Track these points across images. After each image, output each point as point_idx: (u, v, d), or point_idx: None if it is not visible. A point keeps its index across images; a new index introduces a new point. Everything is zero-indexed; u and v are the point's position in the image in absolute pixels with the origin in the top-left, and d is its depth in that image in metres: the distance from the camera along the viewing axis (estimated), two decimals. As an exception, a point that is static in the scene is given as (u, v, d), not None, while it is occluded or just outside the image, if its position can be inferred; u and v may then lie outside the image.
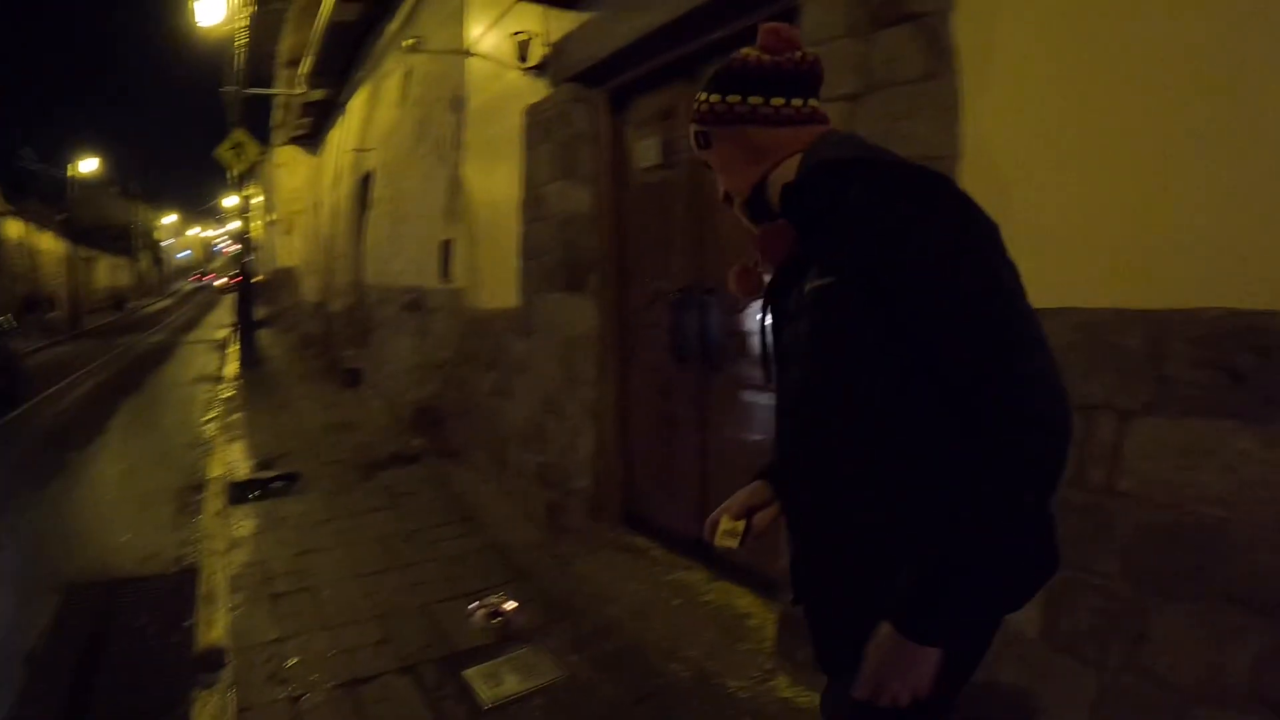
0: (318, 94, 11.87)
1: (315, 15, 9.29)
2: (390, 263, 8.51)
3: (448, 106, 6.45)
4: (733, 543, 1.55)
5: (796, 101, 1.39)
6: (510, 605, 3.34)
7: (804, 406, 1.34)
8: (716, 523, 1.57)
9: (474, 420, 5.86)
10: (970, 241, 1.17)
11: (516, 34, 4.71)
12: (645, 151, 4.15)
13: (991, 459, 1.09)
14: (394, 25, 8.18)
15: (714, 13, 3.41)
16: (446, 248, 6.47)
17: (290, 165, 17.65)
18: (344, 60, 10.42)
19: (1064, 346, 2.24)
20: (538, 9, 4.61)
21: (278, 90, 13.65)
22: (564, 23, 4.48)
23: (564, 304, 4.48)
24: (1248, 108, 1.86)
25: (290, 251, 18.94)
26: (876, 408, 1.21)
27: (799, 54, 1.41)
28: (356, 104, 10.74)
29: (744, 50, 1.43)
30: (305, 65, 10.76)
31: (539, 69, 4.72)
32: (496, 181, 5.38)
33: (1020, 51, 2.38)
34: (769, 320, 1.50)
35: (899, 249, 1.15)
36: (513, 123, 5.05)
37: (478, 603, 3.39)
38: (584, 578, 3.85)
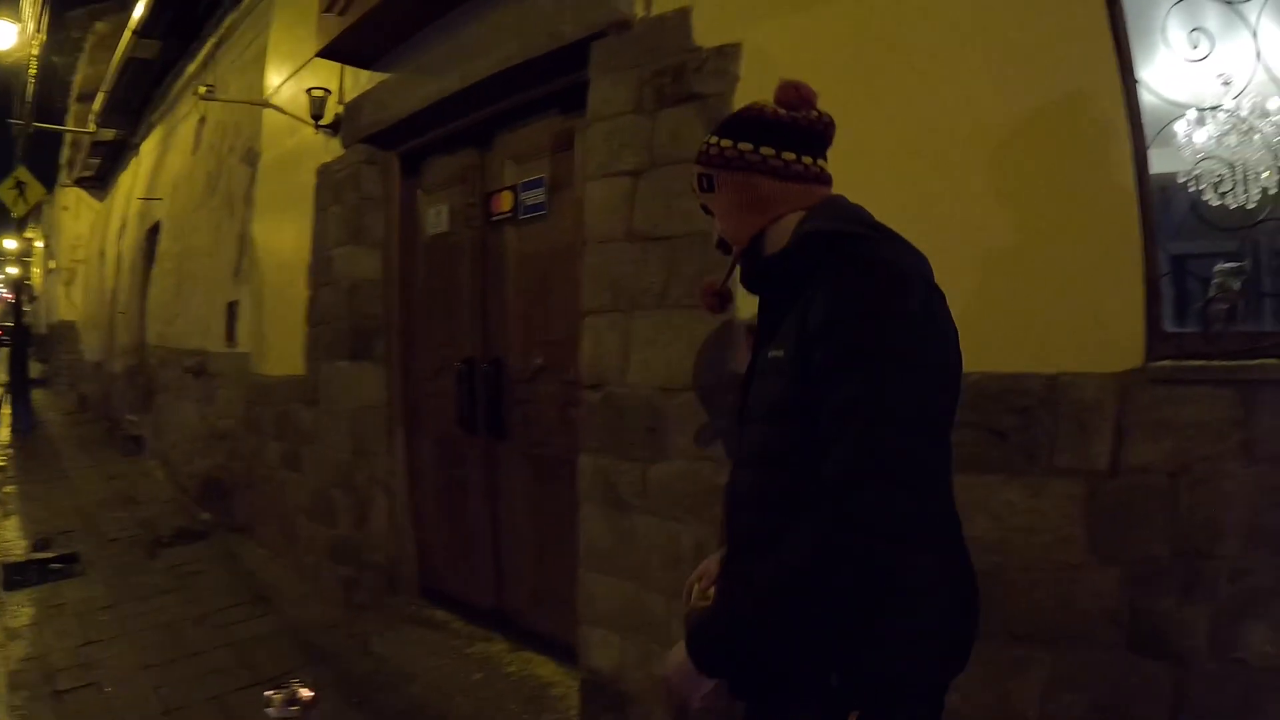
0: (109, 133, 10.87)
1: (113, 49, 8.57)
2: (174, 323, 7.88)
3: (241, 159, 6.11)
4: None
5: (806, 159, 1.38)
6: (307, 692, 3.11)
7: (758, 463, 1.33)
8: (691, 589, 1.56)
9: (263, 493, 5.47)
10: (896, 334, 1.14)
11: (312, 90, 4.53)
12: (435, 218, 4.08)
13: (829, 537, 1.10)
14: (192, 67, 7.74)
15: (506, 82, 3.43)
16: (233, 309, 6.08)
17: (75, 209, 16.06)
18: (140, 99, 9.63)
19: None
20: (336, 66, 4.47)
21: (68, 127, 12.49)
22: (360, 82, 4.39)
23: (351, 372, 4.30)
24: (997, 181, 2.07)
25: (71, 304, 17.22)
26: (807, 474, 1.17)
27: (815, 113, 1.40)
28: (149, 148, 9.99)
29: (759, 101, 1.41)
30: (98, 101, 9.87)
31: (333, 128, 4.57)
32: (286, 242, 5.12)
33: None
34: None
35: (830, 308, 1.16)
36: (305, 181, 4.84)
37: (274, 691, 3.13)
38: (384, 656, 3.68)
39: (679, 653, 1.25)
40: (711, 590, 1.56)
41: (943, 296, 1.26)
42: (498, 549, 3.83)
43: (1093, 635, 2.00)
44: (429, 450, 4.28)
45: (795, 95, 1.39)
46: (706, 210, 1.51)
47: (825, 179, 1.42)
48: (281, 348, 5.12)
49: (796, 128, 1.38)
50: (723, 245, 1.51)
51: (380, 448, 4.32)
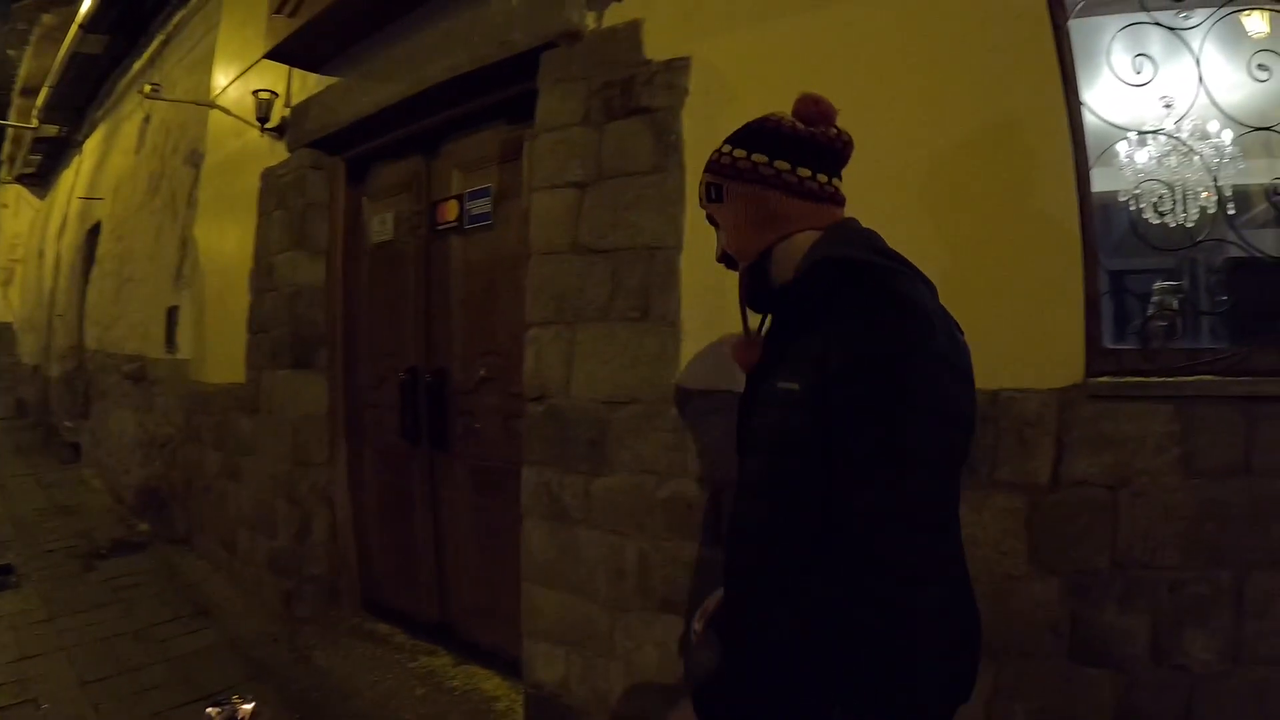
0: (51, 129, 10.49)
1: (60, 42, 8.29)
2: (114, 327, 7.64)
3: (185, 160, 5.95)
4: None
5: (821, 177, 1.33)
6: (248, 707, 3.02)
7: (763, 496, 1.28)
8: (698, 628, 1.53)
9: (202, 503, 5.33)
10: (910, 370, 1.11)
11: (259, 91, 4.45)
12: (380, 225, 4.03)
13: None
14: (139, 64, 7.53)
15: (455, 90, 3.40)
16: (173, 314, 5.93)
17: (15, 207, 15.49)
18: (85, 95, 9.33)
19: None
20: (283, 68, 4.40)
21: (10, 122, 12.06)
22: (308, 85, 4.32)
23: (292, 381, 4.20)
24: (941, 199, 2.13)
25: (8, 305, 16.66)
26: (819, 509, 1.15)
27: (834, 130, 1.34)
28: (92, 146, 9.71)
29: (776, 113, 1.35)
30: (42, 96, 9.54)
31: (279, 131, 4.49)
32: (229, 246, 5.01)
33: None
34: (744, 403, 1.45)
35: (851, 351, 1.12)
36: (249, 185, 4.74)
37: (215, 707, 3.03)
38: (326, 670, 3.60)
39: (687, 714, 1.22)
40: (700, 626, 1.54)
41: (958, 327, 1.23)
42: (441, 561, 3.78)
43: (1035, 645, 2.05)
44: (372, 461, 4.21)
45: (815, 110, 1.35)
46: (711, 221, 1.46)
47: (839, 199, 1.38)
48: (222, 355, 5.00)
49: (815, 144, 1.34)
50: (726, 259, 1.46)
51: (322, 458, 4.23)
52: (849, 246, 1.27)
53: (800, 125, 1.35)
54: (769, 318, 1.50)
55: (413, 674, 3.55)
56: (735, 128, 2.50)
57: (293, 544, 4.21)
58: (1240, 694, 2.02)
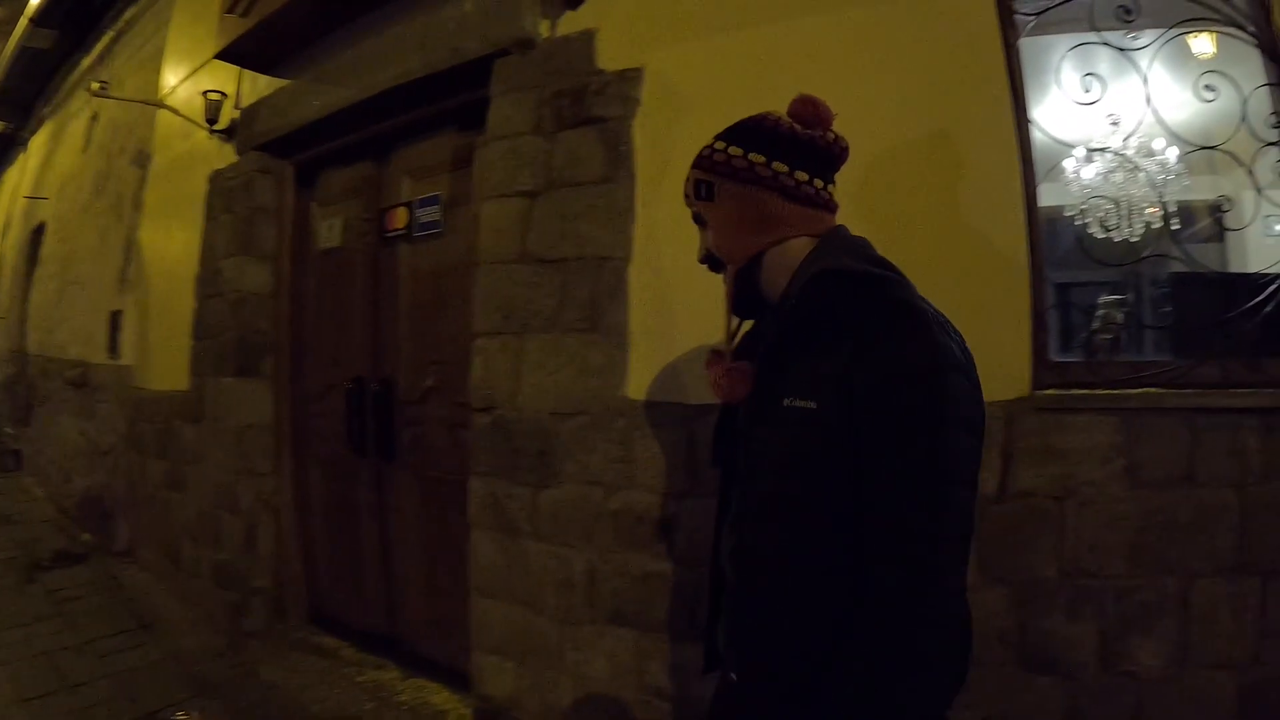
0: (-2, 125, 10.32)
1: (8, 36, 8.06)
2: (56, 331, 7.42)
3: (132, 160, 5.79)
4: None
5: (818, 182, 1.28)
6: None
7: (776, 519, 1.22)
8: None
9: (146, 514, 5.18)
10: (939, 382, 1.10)
11: (208, 92, 4.35)
12: (328, 231, 3.96)
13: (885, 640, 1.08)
14: (88, 60, 7.33)
15: (406, 95, 3.36)
16: (116, 319, 5.77)
17: (-42, 205, 15.20)
18: (33, 92, 9.07)
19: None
20: (234, 69, 4.31)
21: (-45, 118, 11.72)
22: (259, 87, 4.24)
23: (237, 389, 4.10)
24: (890, 212, 2.10)
25: (-51, 307, 16.18)
26: (847, 528, 1.12)
27: (831, 134, 1.29)
28: (38, 143, 9.43)
29: (773, 113, 1.28)
30: (-12, 92, 9.32)
31: (228, 133, 4.40)
32: (174, 250, 4.88)
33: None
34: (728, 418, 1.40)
35: (876, 365, 1.09)
36: (197, 187, 4.62)
37: None
38: (272, 685, 3.52)
39: None
40: None
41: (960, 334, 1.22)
42: (388, 573, 3.72)
43: (984, 654, 2.05)
44: (318, 471, 4.13)
45: (813, 112, 1.30)
46: (698, 220, 1.39)
47: (833, 206, 1.34)
48: (166, 361, 4.87)
49: (814, 147, 1.29)
50: (710, 261, 1.39)
51: (267, 468, 4.14)
52: (849, 257, 1.24)
53: (798, 127, 1.29)
54: (743, 324, 1.46)
55: (361, 688, 3.49)
56: (687, 139, 2.50)
57: (238, 556, 4.11)
58: (1187, 698, 2.07)
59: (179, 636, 4.09)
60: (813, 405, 1.15)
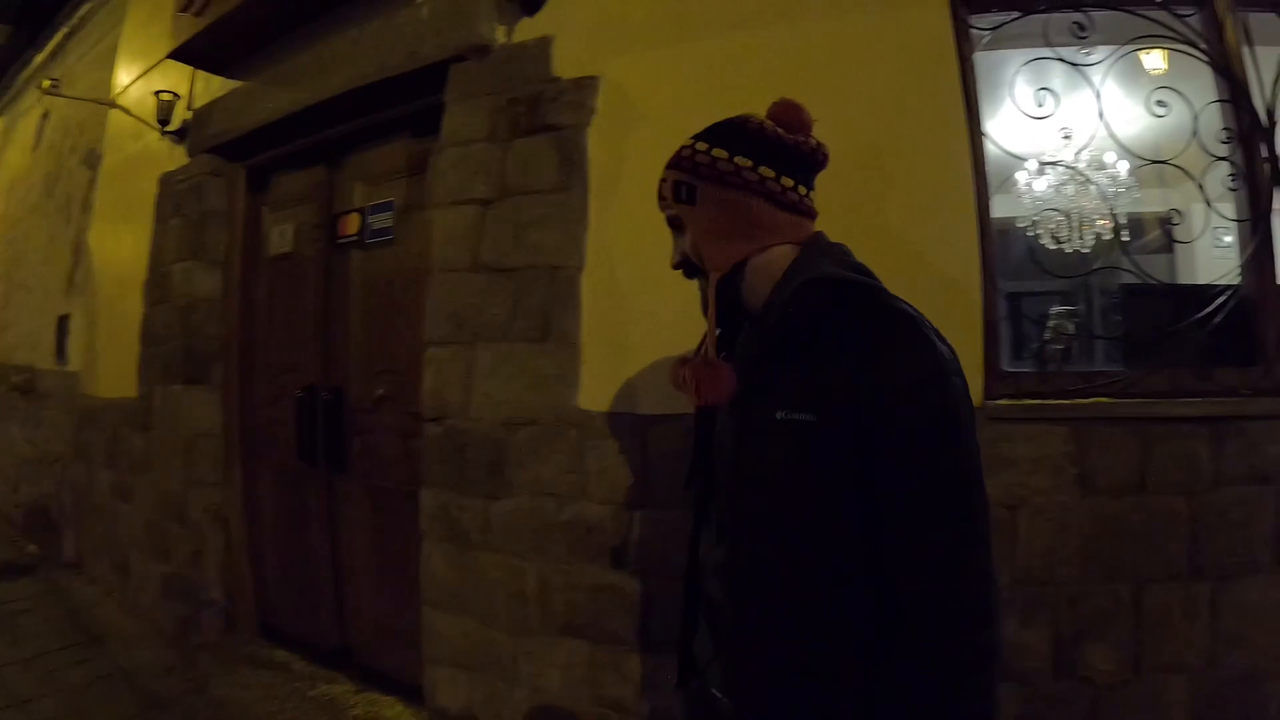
0: (-54, 122, 10.05)
1: None
2: (2, 335, 7.23)
3: (82, 160, 5.68)
4: None
5: (802, 188, 1.24)
6: None
7: (772, 534, 1.18)
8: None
9: (94, 525, 5.06)
10: (947, 389, 1.10)
11: (160, 93, 4.27)
12: (280, 237, 3.89)
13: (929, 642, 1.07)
14: (40, 57, 7.15)
15: (361, 100, 3.32)
16: (64, 324, 5.64)
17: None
18: (-16, 88, 8.94)
19: (674, 452, 2.34)
20: (188, 69, 4.24)
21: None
22: (212, 88, 4.16)
23: (186, 397, 4.01)
24: (843, 223, 2.10)
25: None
26: (852, 538, 1.10)
27: (814, 140, 1.24)
28: (-12, 142, 9.25)
29: (755, 116, 1.23)
30: (-61, 87, 9.07)
31: (179, 134, 4.31)
32: (123, 253, 4.77)
33: (647, 170, 2.48)
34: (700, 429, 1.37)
35: (882, 377, 1.06)
36: (147, 190, 4.52)
37: None
38: (223, 701, 3.44)
39: None
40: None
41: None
42: (340, 585, 3.65)
43: None
44: (268, 481, 4.05)
45: (795, 116, 1.26)
46: (674, 223, 1.33)
47: (813, 214, 1.30)
48: (114, 368, 4.76)
49: (798, 152, 1.25)
50: (686, 266, 1.33)
51: (216, 478, 4.05)
52: (835, 265, 1.21)
53: (782, 132, 1.25)
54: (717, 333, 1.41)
55: (313, 702, 3.43)
56: (642, 149, 2.51)
57: (187, 568, 4.02)
58: (1142, 702, 2.11)
59: (128, 651, 3.99)
60: (811, 418, 1.12)
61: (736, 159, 1.22)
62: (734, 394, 1.23)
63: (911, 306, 1.18)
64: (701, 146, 1.26)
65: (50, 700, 3.43)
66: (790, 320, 1.17)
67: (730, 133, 1.25)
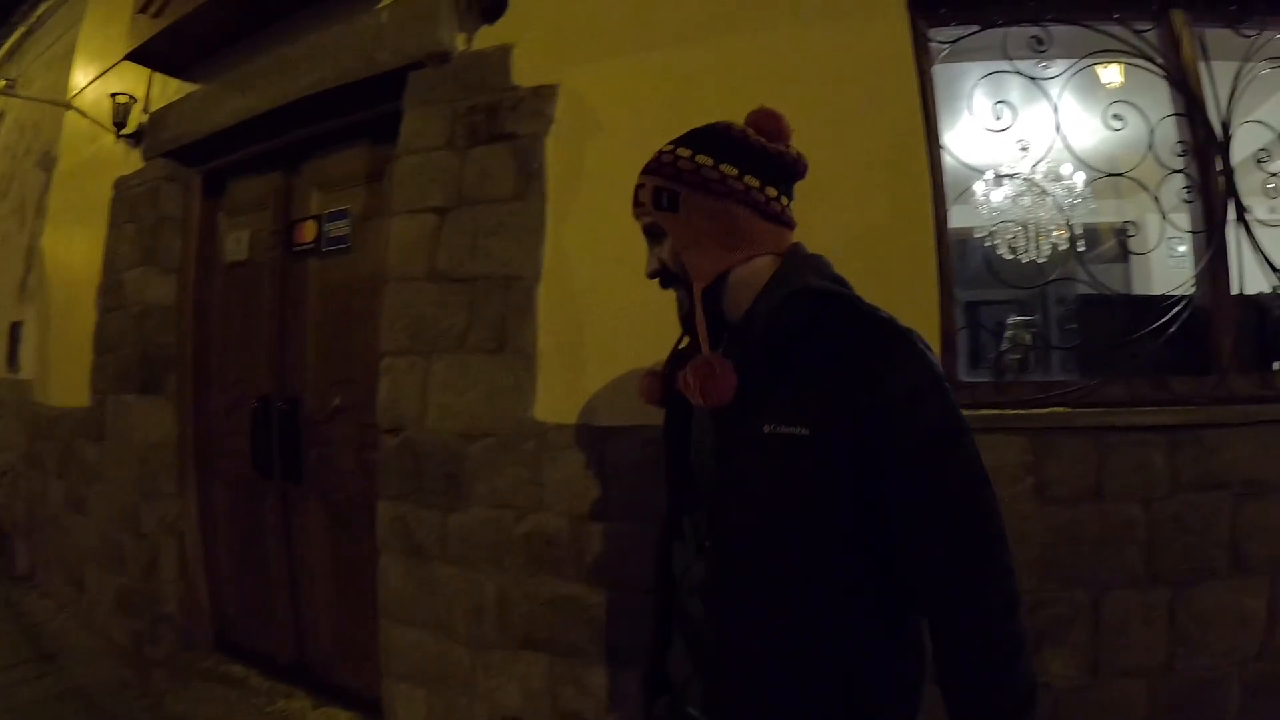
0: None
1: None
2: (-48, 342, 7.09)
3: (37, 163, 5.56)
4: None
5: (785, 199, 1.21)
6: None
7: (764, 546, 1.16)
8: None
9: (46, 537, 4.96)
10: (945, 395, 1.12)
11: (116, 95, 4.19)
12: (236, 244, 3.82)
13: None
14: (-4, 55, 7.06)
15: (319, 106, 3.28)
16: (16, 331, 5.52)
17: None
18: (-60, 88, 8.73)
19: (633, 464, 2.31)
20: (145, 71, 4.17)
21: None
22: (169, 91, 4.10)
23: (140, 406, 3.93)
24: (800, 235, 2.11)
25: None
26: (846, 556, 1.11)
27: (795, 150, 1.21)
28: (-57, 144, 9.05)
29: (735, 123, 1.20)
30: (-107, 87, 8.85)
31: (135, 138, 4.23)
32: (77, 259, 4.68)
33: (605, 181, 2.48)
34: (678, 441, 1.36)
35: (881, 391, 1.06)
36: (102, 194, 4.43)
37: None
38: (179, 717, 3.37)
39: None
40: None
41: None
42: (296, 599, 3.59)
43: None
44: (223, 493, 3.97)
45: (776, 125, 1.23)
46: (651, 231, 1.27)
47: (793, 224, 1.27)
48: (67, 376, 4.66)
49: (781, 161, 1.22)
50: (664, 275, 1.27)
51: (171, 489, 3.96)
52: (812, 273, 1.20)
53: (765, 140, 1.22)
54: (681, 340, 1.40)
55: (270, 718, 3.37)
56: (601, 158, 2.49)
57: (141, 581, 3.93)
58: (1101, 706, 2.13)
59: (83, 667, 3.91)
60: (804, 431, 1.09)
61: (722, 166, 1.19)
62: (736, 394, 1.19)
63: (895, 319, 1.19)
64: (684, 152, 1.22)
65: (3, 718, 3.36)
66: (778, 332, 1.16)
67: (713, 139, 1.22)
